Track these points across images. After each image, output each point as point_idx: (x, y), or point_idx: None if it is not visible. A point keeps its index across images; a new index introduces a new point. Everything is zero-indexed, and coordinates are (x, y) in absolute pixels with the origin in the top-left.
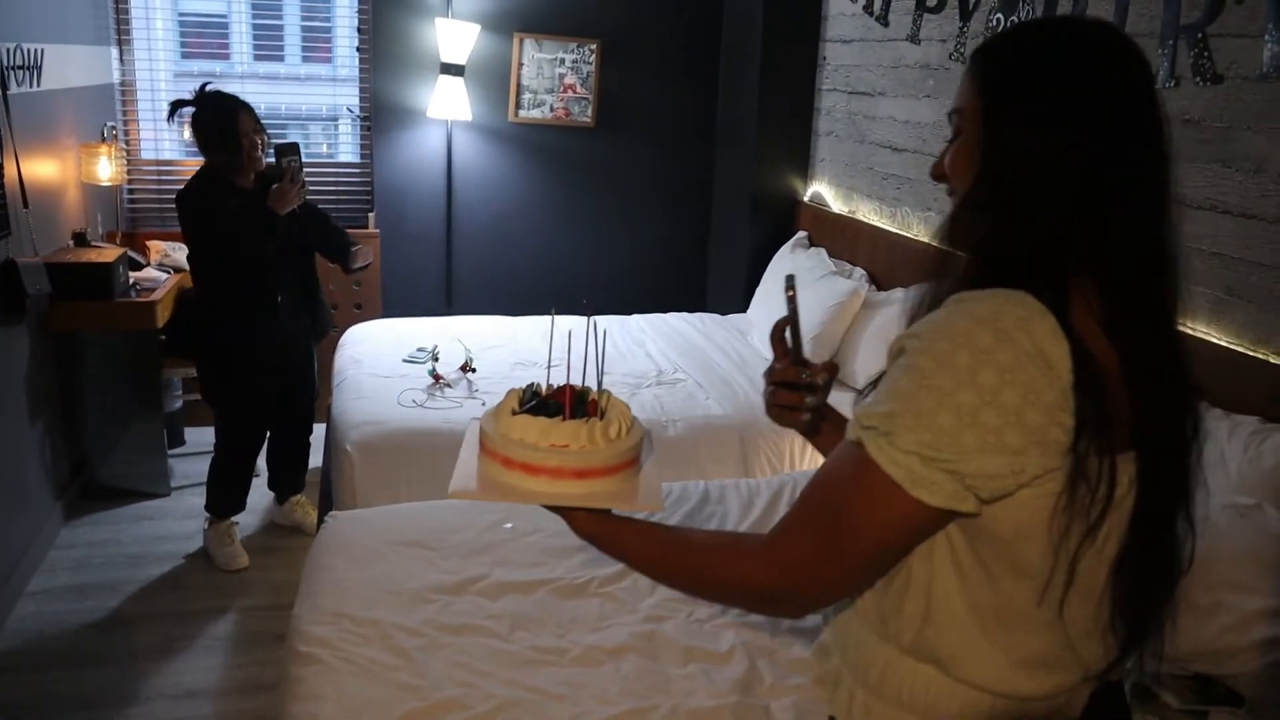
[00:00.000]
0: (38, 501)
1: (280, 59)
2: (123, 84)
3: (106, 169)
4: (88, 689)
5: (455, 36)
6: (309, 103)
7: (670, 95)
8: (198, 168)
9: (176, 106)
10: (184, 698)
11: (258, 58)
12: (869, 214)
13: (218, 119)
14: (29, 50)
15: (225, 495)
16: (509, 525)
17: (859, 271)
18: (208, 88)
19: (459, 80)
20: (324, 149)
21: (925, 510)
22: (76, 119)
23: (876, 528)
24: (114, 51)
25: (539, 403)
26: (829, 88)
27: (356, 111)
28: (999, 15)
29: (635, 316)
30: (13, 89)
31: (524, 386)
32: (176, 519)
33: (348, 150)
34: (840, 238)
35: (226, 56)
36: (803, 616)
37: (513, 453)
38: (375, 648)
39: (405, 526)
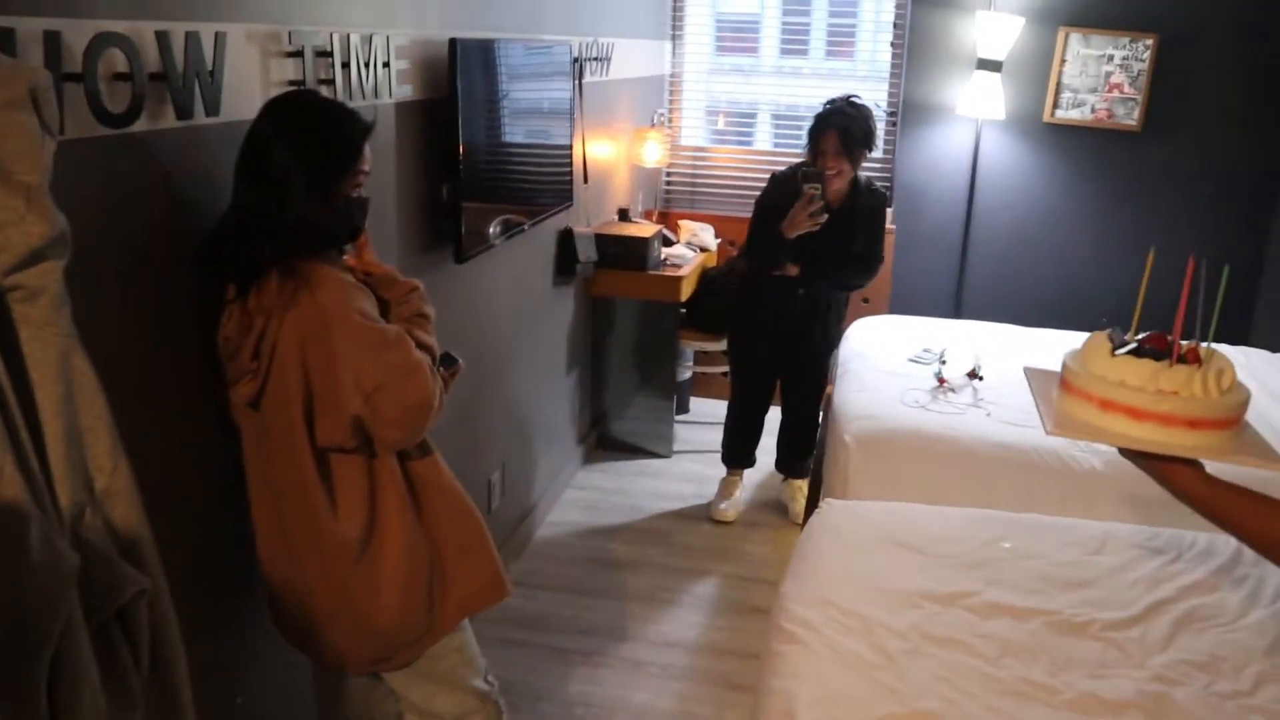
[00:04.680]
0: (564, 443)
1: (804, 54)
2: (672, 76)
3: (654, 152)
4: (584, 618)
5: (995, 30)
6: (830, 98)
7: (1237, 97)
8: (729, 156)
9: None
10: (664, 646)
11: (784, 53)
12: None
13: (811, 132)
14: (604, 44)
15: (726, 444)
16: (1007, 545)
17: None
18: (852, 99)
19: (995, 76)
20: None
21: None
22: (632, 106)
23: None
24: (668, 46)
25: (1138, 346)
26: None
27: (884, 108)
28: None
29: None
30: (587, 78)
31: (1107, 330)
32: (674, 480)
33: None
34: None
35: (755, 52)
36: None
37: (1114, 395)
38: (858, 641)
39: (898, 526)
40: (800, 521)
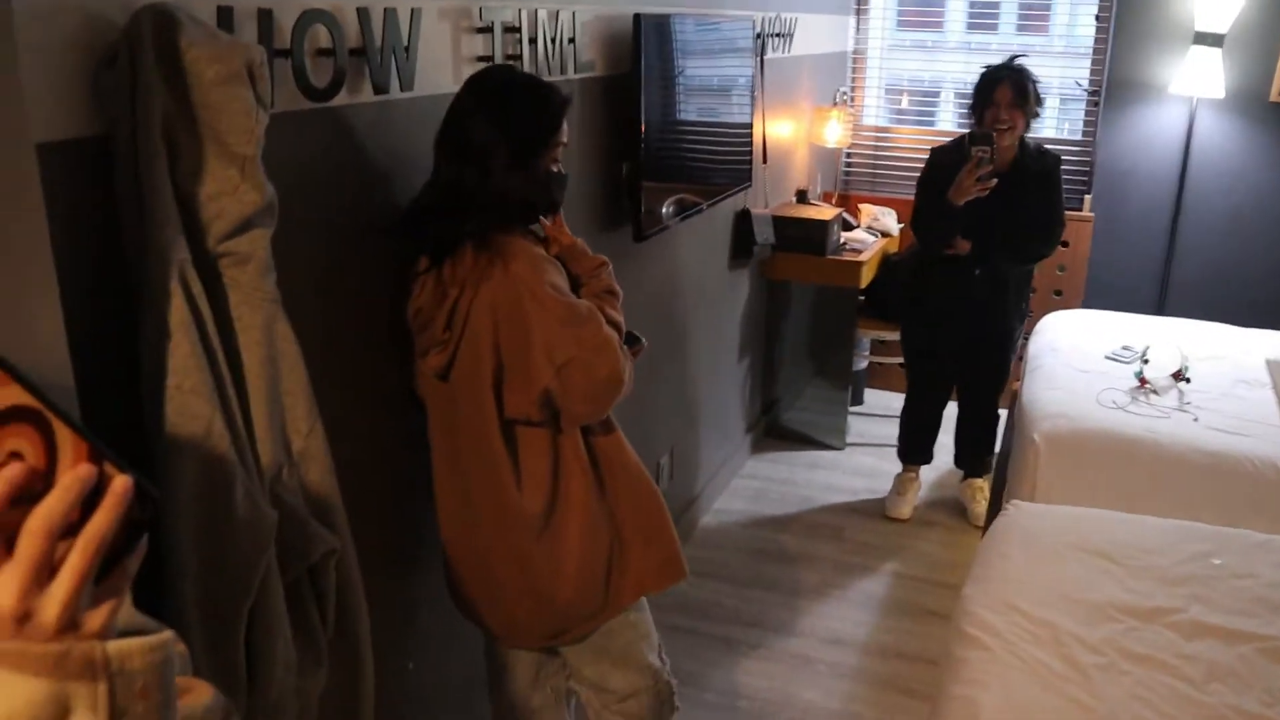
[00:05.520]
0: (734, 430)
1: (994, 29)
2: (854, 52)
3: (835, 132)
4: (750, 609)
5: (1217, 1)
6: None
7: None
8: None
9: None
10: (832, 643)
11: (970, 28)
12: None
13: (979, 89)
14: (786, 19)
15: (902, 440)
16: (1218, 561)
17: None
18: (1015, 60)
19: (1215, 52)
20: None
21: None
22: (813, 84)
23: None
24: (851, 21)
25: None
26: None
27: (1085, 85)
28: None
29: None
30: (768, 54)
31: None
32: (846, 473)
33: (1051, 126)
34: None
35: (940, 28)
36: None
37: None
38: (1047, 651)
39: (1091, 533)
40: (980, 524)
